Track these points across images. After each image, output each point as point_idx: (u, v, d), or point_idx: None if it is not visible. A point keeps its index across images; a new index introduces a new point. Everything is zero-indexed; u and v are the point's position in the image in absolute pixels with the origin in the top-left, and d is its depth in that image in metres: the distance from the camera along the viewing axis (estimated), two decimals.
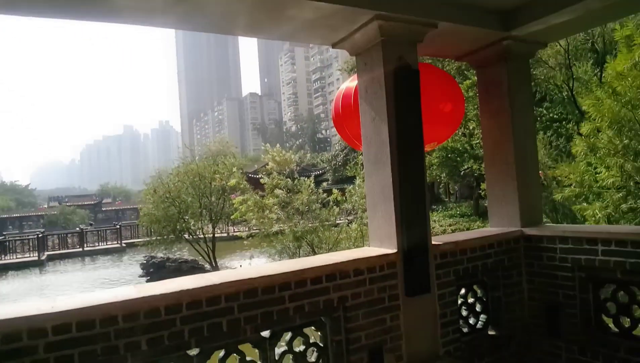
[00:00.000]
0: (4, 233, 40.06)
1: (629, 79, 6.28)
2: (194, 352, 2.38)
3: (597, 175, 6.97)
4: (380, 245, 3.12)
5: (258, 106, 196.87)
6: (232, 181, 12.69)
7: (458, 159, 21.75)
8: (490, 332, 3.62)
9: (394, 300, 2.97)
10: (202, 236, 16.85)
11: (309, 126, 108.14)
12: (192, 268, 16.77)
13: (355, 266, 2.83)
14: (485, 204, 21.25)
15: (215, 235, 17.53)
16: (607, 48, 17.44)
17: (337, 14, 2.87)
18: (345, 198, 11.04)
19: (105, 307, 2.10)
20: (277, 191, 10.91)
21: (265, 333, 2.60)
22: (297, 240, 10.45)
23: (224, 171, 16.79)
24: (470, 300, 3.63)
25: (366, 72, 3.18)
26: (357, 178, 11.34)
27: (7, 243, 26.74)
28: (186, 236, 16.83)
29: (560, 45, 15.82)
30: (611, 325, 3.28)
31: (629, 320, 3.17)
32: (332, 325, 2.80)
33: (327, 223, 10.88)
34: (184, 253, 18.58)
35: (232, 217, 14.01)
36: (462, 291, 3.56)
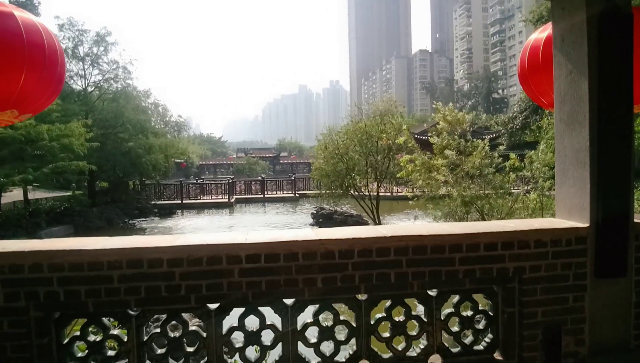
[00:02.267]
0: (202, 177, 47.57)
1: None
2: (363, 296, 2.51)
3: None
4: (569, 216, 2.79)
5: (428, 63, 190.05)
6: (401, 139, 12.62)
7: None
8: None
9: (580, 280, 2.65)
10: (367, 193, 17.38)
11: (483, 84, 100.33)
12: (357, 222, 17.56)
13: (537, 236, 2.58)
14: None
15: (380, 194, 17.90)
16: None
17: None
18: (524, 164, 10.05)
19: (288, 244, 2.35)
20: (447, 152, 10.47)
21: (432, 292, 2.59)
22: (465, 205, 9.99)
23: (390, 131, 16.81)
24: None
25: (563, 19, 2.76)
26: (541, 142, 10.17)
27: (205, 186, 31.86)
28: (352, 191, 17.55)
29: None
30: None
31: None
32: (504, 295, 2.64)
33: (500, 190, 10.13)
34: (350, 207, 19.51)
35: (397, 176, 14.07)
36: None
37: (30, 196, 21.91)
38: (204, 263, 2.27)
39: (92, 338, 2.33)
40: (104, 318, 2.35)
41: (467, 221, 9.92)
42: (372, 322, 2.54)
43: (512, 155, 10.06)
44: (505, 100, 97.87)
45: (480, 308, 2.69)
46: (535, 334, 2.61)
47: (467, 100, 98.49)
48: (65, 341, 2.29)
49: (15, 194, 21.80)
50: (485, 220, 9.53)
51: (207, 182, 34.39)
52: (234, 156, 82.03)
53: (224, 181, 32.34)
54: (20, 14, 2.70)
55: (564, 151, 2.83)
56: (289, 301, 2.42)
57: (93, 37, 25.88)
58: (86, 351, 2.31)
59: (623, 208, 2.65)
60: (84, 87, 26.24)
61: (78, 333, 2.31)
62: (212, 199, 29.68)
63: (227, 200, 28.97)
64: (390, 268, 2.45)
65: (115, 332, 2.36)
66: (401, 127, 15.31)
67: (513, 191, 10.57)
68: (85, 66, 26.00)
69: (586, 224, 2.63)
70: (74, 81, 25.97)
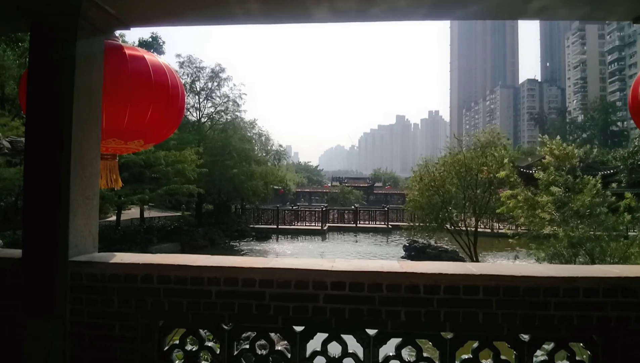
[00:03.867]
0: (298, 204, 49.08)
1: None
2: (448, 335, 2.45)
3: None
4: None
5: (537, 93, 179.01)
6: (502, 173, 12.02)
7: None
8: None
9: None
10: (464, 228, 16.66)
11: (600, 116, 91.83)
12: (452, 258, 16.84)
13: None
14: None
15: (478, 230, 17.05)
16: None
17: None
18: None
19: (373, 275, 2.39)
20: (553, 189, 9.75)
21: (525, 337, 2.45)
22: (572, 246, 9.14)
23: (492, 164, 16.04)
24: None
25: None
26: None
27: (300, 213, 32.86)
28: (447, 226, 16.94)
29: None
30: None
31: None
32: (605, 346, 2.40)
33: (614, 232, 9.15)
34: (445, 242, 18.80)
35: (497, 211, 13.34)
36: None
37: (146, 214, 24.36)
38: (292, 286, 2.40)
39: (189, 347, 2.55)
40: (200, 330, 2.57)
41: (575, 263, 9.05)
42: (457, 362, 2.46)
43: (628, 194, 9.06)
44: (625, 133, 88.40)
45: (577, 358, 2.47)
46: None
47: (582, 132, 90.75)
48: (166, 348, 2.54)
49: (132, 213, 24.38)
50: (594, 264, 8.63)
51: (302, 209, 35.50)
52: (329, 184, 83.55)
53: (318, 209, 33.10)
54: (149, 57, 3.15)
55: None
56: (371, 332, 2.44)
57: (208, 73, 28.57)
58: (183, 359, 2.54)
59: None
60: (198, 118, 28.92)
61: (177, 342, 2.55)
62: (305, 226, 30.48)
63: (320, 227, 29.55)
64: (478, 307, 2.38)
65: (209, 344, 2.57)
66: (504, 160, 14.57)
67: (631, 234, 9.47)
68: (201, 100, 28.73)
69: None
70: (190, 112, 28.75)
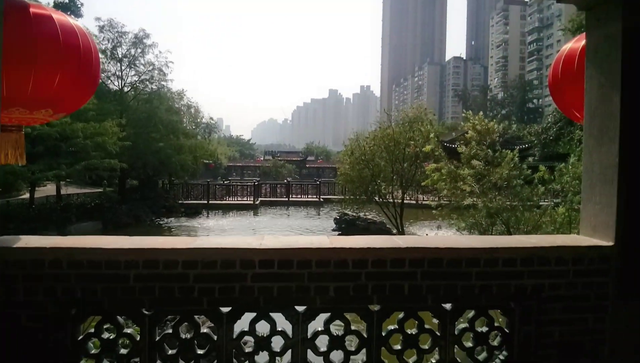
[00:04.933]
0: (229, 178, 48.22)
1: None
2: (375, 307, 2.48)
3: None
4: (593, 234, 2.69)
5: (461, 71, 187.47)
6: (428, 147, 12.50)
7: None
8: None
9: (602, 300, 2.55)
10: (391, 200, 17.26)
11: (518, 93, 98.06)
12: (380, 230, 17.45)
13: (558, 254, 2.51)
14: None
15: (404, 201, 17.75)
16: None
17: None
18: (554, 177, 9.77)
19: (302, 251, 2.35)
20: (474, 162, 10.29)
21: (447, 306, 2.54)
22: (490, 216, 9.78)
23: (419, 138, 16.65)
24: None
25: (598, 30, 2.67)
26: (572, 155, 9.88)
27: (231, 187, 32.32)
28: (376, 198, 17.46)
29: None
30: None
31: None
32: (521, 312, 2.56)
33: (528, 203, 9.88)
34: (373, 214, 19.39)
35: (422, 184, 13.91)
36: None
37: (63, 191, 22.69)
38: (218, 267, 2.29)
39: (106, 335, 2.38)
40: (118, 317, 2.39)
41: (491, 233, 9.70)
42: (383, 334, 2.51)
43: (542, 167, 9.79)
44: (540, 110, 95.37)
45: (495, 324, 2.61)
46: (551, 354, 2.53)
47: (501, 109, 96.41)
48: (80, 337, 2.34)
49: (48, 189, 22.62)
50: (510, 233, 9.31)
51: (233, 183, 34.89)
52: (262, 158, 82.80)
53: (250, 183, 32.70)
54: (58, 16, 2.80)
55: (592, 166, 2.74)
56: (300, 309, 2.41)
57: (131, 39, 26.71)
58: (100, 348, 2.37)
59: None
60: (120, 87, 27.09)
61: (93, 330, 2.37)
62: (237, 200, 30.07)
63: (252, 202, 29.28)
64: (404, 280, 2.42)
65: (128, 330, 2.41)
66: (430, 135, 15.14)
67: (542, 203, 10.29)
68: (123, 67, 26.85)
69: (611, 243, 2.54)
70: (111, 81, 26.84)
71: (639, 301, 2.56)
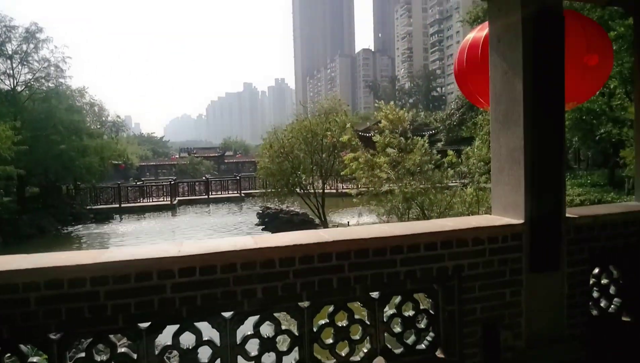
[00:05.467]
0: (142, 179, 45.66)
1: None
2: (305, 304, 2.43)
3: None
4: (504, 213, 2.85)
5: (371, 62, 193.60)
6: (345, 138, 12.73)
7: (594, 121, 19.30)
8: (625, 319, 3.20)
9: (516, 275, 2.72)
10: (312, 191, 17.41)
11: (423, 83, 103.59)
12: (303, 221, 17.53)
13: (474, 234, 2.62)
14: (622, 174, 18.84)
15: (325, 191, 17.99)
16: None
17: None
18: (461, 160, 10.44)
19: (226, 255, 2.21)
20: (389, 150, 10.67)
21: (375, 294, 2.56)
22: (406, 201, 10.22)
23: (335, 129, 16.92)
24: (604, 281, 3.22)
25: (500, 19, 2.82)
26: (476, 139, 10.60)
27: (145, 188, 30.56)
28: (298, 190, 17.50)
29: None
30: None
31: None
32: (445, 293, 2.66)
33: (439, 185, 10.45)
34: (296, 206, 19.43)
35: (341, 174, 14.16)
36: (596, 270, 3.17)
37: None
38: (132, 280, 2.09)
39: None
40: (21, 345, 2.11)
41: (408, 216, 10.16)
42: (315, 329, 2.47)
43: (450, 152, 10.40)
44: (444, 98, 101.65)
45: (421, 307, 2.69)
46: (475, 330, 2.65)
47: (409, 98, 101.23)
48: None
49: None
50: (425, 215, 9.81)
51: (147, 184, 33.04)
52: (177, 156, 79.44)
53: (165, 183, 31.18)
54: None
55: (500, 150, 2.90)
56: (227, 315, 2.29)
57: (22, 33, 24.07)
58: None
59: (556, 204, 2.75)
60: (12, 87, 24.34)
61: None
62: (153, 202, 28.52)
63: (169, 202, 27.97)
64: (332, 273, 2.39)
65: (34, 359, 2.13)
66: (345, 126, 15.44)
67: (452, 185, 10.94)
68: (14, 64, 24.14)
69: (521, 221, 2.71)
70: (1, 80, 24.06)
71: (549, 273, 2.76)
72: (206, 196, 30.93)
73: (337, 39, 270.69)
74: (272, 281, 2.29)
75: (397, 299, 2.64)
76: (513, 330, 2.71)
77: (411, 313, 2.67)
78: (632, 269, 3.17)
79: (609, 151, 23.75)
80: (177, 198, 29.50)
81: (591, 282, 3.11)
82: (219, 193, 31.93)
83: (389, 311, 2.63)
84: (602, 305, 3.19)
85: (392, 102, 12.46)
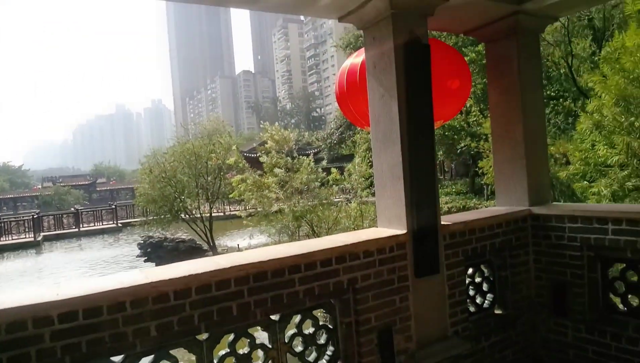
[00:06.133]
0: None
1: (638, 55, 6.18)
2: (203, 336, 2.33)
3: (599, 152, 6.94)
4: (389, 225, 3.06)
5: (252, 83, 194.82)
6: (231, 160, 12.57)
7: (455, 137, 21.71)
8: (497, 311, 3.61)
9: (404, 281, 2.93)
10: (199, 215, 16.81)
11: (303, 104, 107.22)
12: (190, 247, 16.76)
13: (365, 247, 2.77)
14: (482, 182, 21.40)
15: (213, 215, 17.49)
16: (606, 25, 17.24)
17: None
18: (344, 176, 10.97)
19: (112, 293, 2.03)
20: (277, 170, 10.81)
21: (275, 317, 2.56)
22: (296, 219, 10.40)
23: (220, 150, 16.64)
24: (478, 280, 3.61)
25: (374, 47, 3.06)
26: (356, 156, 11.25)
27: (2, 224, 26.57)
28: (183, 215, 16.78)
29: (560, 21, 15.59)
30: (619, 304, 3.26)
31: (637, 299, 3.16)
32: (341, 307, 2.76)
33: (326, 202, 10.84)
34: (182, 232, 18.54)
35: (230, 196, 13.93)
36: (470, 271, 3.54)
37: None
38: (2, 333, 1.81)
39: None
40: None
41: (299, 234, 10.35)
42: (215, 361, 2.37)
43: (334, 169, 10.89)
44: (323, 118, 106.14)
45: (320, 323, 2.75)
46: (371, 339, 2.78)
47: (291, 118, 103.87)
48: None
49: None
50: (315, 232, 10.08)
51: (4, 220, 28.85)
52: (39, 186, 70.95)
53: (27, 217, 27.54)
54: None
55: (381, 166, 3.12)
56: (117, 359, 2.10)
57: None
58: None
59: (433, 213, 3.02)
60: None
61: None
62: (12, 239, 24.96)
63: (32, 239, 24.73)
64: (232, 300, 2.33)
65: None
66: (231, 147, 15.29)
67: (336, 200, 11.42)
68: None
69: (404, 231, 2.93)
70: None
71: (431, 278, 3.02)
72: (76, 229, 27.96)
73: (217, 60, 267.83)
74: (166, 317, 2.15)
75: (298, 318, 2.67)
76: (404, 334, 2.90)
77: (311, 330, 2.71)
78: (500, 267, 3.61)
79: (469, 162, 26.80)
80: (42, 234, 26.21)
81: (467, 282, 3.46)
82: (92, 224, 29.12)
83: (289, 331, 2.64)
84: (477, 301, 3.57)
85: (276, 123, 12.69)
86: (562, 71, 18.10)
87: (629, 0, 7.26)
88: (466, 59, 16.15)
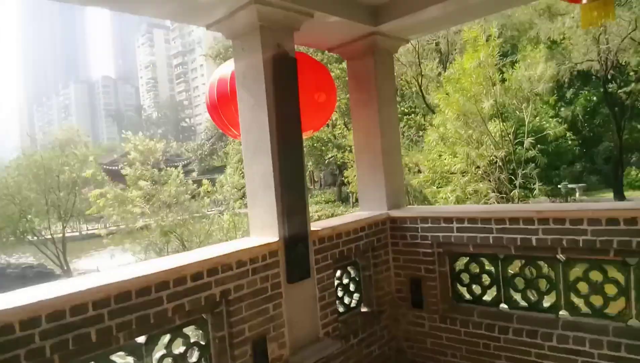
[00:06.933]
0: None
1: (474, 76, 7.21)
2: None
3: (445, 161, 7.92)
4: (262, 234, 3.09)
5: (112, 90, 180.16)
6: (88, 173, 11.48)
7: (323, 148, 22.77)
8: (363, 309, 3.86)
9: (277, 289, 2.97)
10: (50, 236, 14.92)
11: (171, 113, 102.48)
12: (39, 273, 14.80)
13: (237, 257, 2.75)
14: (348, 191, 22.75)
15: (66, 235, 15.67)
16: (449, 49, 19.78)
17: None
18: (216, 188, 10.75)
19: None
20: (141, 183, 10.15)
21: (141, 339, 2.39)
22: (165, 234, 9.87)
23: (74, 163, 15.02)
24: (345, 281, 3.82)
25: (244, 58, 3.09)
26: (228, 167, 11.13)
27: None
28: (30, 237, 14.75)
29: (411, 44, 17.42)
30: (465, 294, 3.73)
31: (479, 287, 3.64)
32: (214, 321, 2.69)
33: (197, 215, 10.49)
34: (28, 256, 16.27)
35: (87, 213, 12.66)
36: (338, 273, 3.73)
37: None
38: None
39: None
40: None
41: (167, 251, 9.84)
42: None
43: (205, 181, 10.62)
44: (193, 128, 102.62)
45: (192, 340, 2.65)
46: (245, 350, 2.76)
47: (157, 128, 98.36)
48: None
49: None
50: (185, 247, 9.69)
51: None
52: None
53: None
54: None
55: (253, 176, 3.14)
56: None
57: None
58: None
59: (303, 220, 3.13)
60: None
61: None
62: None
63: None
64: (89, 326, 2.12)
65: None
66: (88, 159, 13.94)
67: (209, 213, 11.14)
68: None
69: (276, 239, 2.98)
70: None
71: (303, 282, 3.11)
72: None
73: (71, 64, 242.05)
74: (11, 351, 1.87)
75: (167, 338, 2.53)
76: (278, 341, 2.94)
77: (182, 349, 2.59)
78: (365, 267, 3.87)
79: (336, 172, 28.25)
80: None
81: (336, 284, 3.64)
82: None
83: (157, 353, 2.49)
84: (345, 301, 3.77)
85: (140, 133, 11.91)
86: (414, 89, 20.21)
87: (466, 28, 8.47)
88: (332, 74, 17.20)
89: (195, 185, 10.95)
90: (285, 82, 3.02)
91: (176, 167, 11.25)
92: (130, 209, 10.25)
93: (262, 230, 3.09)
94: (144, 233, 10.29)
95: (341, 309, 3.68)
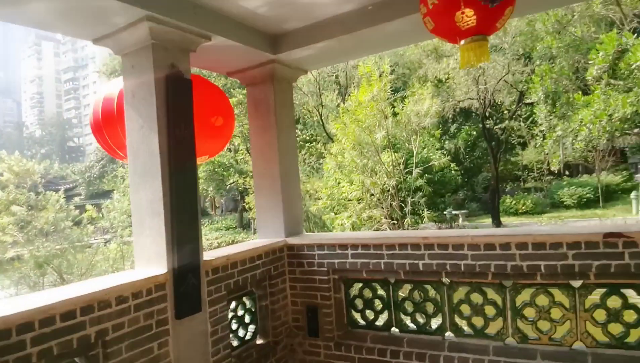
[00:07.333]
0: None
1: (368, 108, 7.62)
2: None
3: (342, 188, 8.19)
4: (148, 265, 2.86)
5: None
6: None
7: (224, 173, 22.34)
8: (258, 341, 3.74)
9: (163, 325, 2.75)
10: None
11: (57, 132, 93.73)
12: None
13: (117, 293, 2.50)
14: (249, 217, 22.45)
15: None
16: (348, 82, 20.82)
17: (98, 6, 2.54)
18: (102, 214, 9.91)
19: None
20: (15, 208, 9.05)
21: None
22: (39, 266, 8.79)
23: None
24: (240, 313, 3.69)
25: (134, 76, 2.90)
26: (116, 192, 10.36)
27: None
28: None
29: (312, 74, 18.01)
30: (359, 319, 3.79)
31: (372, 312, 3.73)
32: None
33: (78, 244, 9.53)
34: None
35: None
36: (233, 304, 3.58)
37: None
38: None
39: None
40: None
41: (43, 284, 8.77)
42: None
43: (89, 206, 9.76)
44: (82, 148, 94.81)
45: None
46: None
47: (40, 147, 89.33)
48: None
49: None
50: (64, 279, 8.73)
51: None
52: None
53: None
54: None
55: (140, 202, 2.92)
56: None
57: None
58: None
59: (195, 249, 2.96)
60: None
61: None
62: None
63: None
64: None
65: None
66: None
67: (93, 242, 10.23)
68: None
69: (164, 271, 2.77)
70: None
71: (193, 317, 2.92)
72: None
73: None
74: None
75: None
76: None
77: None
78: (261, 297, 3.77)
79: (237, 198, 27.79)
80: None
81: (230, 316, 3.49)
82: None
83: None
84: (240, 334, 3.62)
85: (17, 152, 10.69)
86: (315, 118, 20.83)
87: (361, 63, 8.99)
88: (234, 100, 17.08)
89: (77, 211, 9.99)
90: (179, 103, 2.89)
91: (57, 191, 10.19)
92: (0, 238, 9.06)
93: (149, 262, 2.87)
94: (16, 265, 9.10)
95: (235, 343, 3.53)
